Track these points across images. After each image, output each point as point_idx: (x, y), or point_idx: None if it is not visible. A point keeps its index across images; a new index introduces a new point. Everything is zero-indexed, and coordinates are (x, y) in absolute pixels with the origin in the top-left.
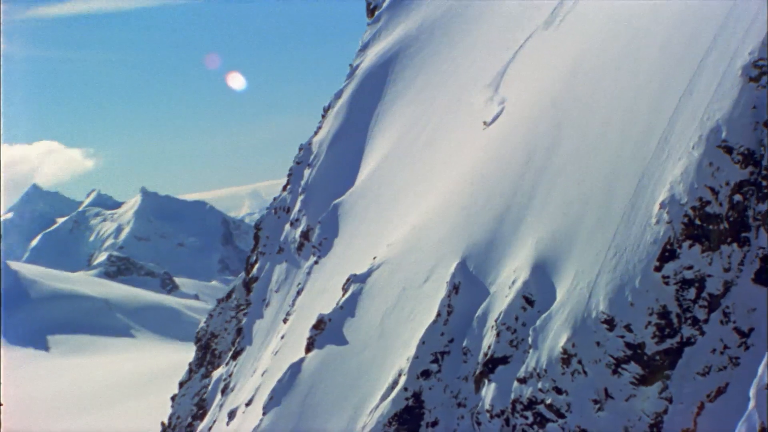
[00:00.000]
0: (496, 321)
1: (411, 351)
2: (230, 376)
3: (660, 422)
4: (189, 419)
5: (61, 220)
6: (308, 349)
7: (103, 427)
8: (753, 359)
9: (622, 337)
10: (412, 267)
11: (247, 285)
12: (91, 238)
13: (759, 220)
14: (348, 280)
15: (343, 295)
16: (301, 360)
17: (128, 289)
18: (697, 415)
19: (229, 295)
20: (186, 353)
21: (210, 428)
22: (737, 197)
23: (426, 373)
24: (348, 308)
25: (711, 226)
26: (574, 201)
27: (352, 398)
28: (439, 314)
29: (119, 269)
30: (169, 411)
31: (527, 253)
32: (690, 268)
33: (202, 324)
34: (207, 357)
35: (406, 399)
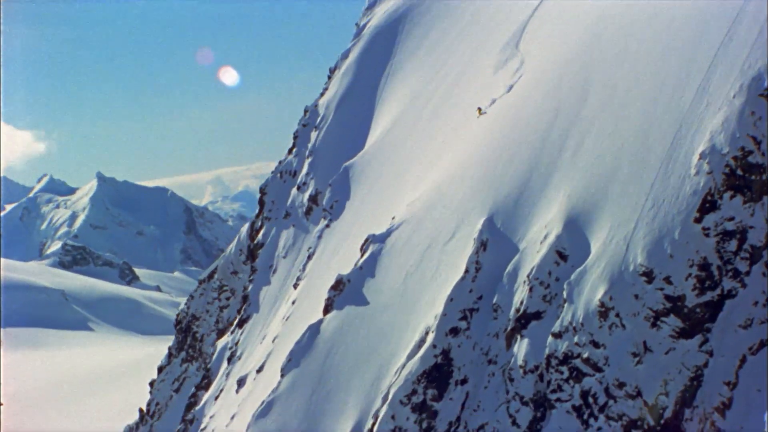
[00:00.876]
0: (528, 276)
1: (438, 309)
2: (236, 344)
3: (700, 375)
4: (193, 389)
5: (9, 207)
6: (326, 311)
7: (59, 427)
8: None
9: (662, 289)
10: (435, 225)
11: (252, 252)
12: (43, 226)
13: None
14: (366, 240)
15: (362, 255)
16: (320, 321)
17: (85, 280)
18: (739, 368)
19: (210, 276)
20: (149, 347)
21: (217, 397)
22: None
23: (454, 331)
24: (367, 269)
25: (753, 177)
26: (607, 154)
27: (376, 358)
28: (467, 271)
29: (75, 259)
30: (147, 397)
31: (559, 208)
32: (731, 219)
33: (182, 306)
34: (188, 340)
35: (435, 356)
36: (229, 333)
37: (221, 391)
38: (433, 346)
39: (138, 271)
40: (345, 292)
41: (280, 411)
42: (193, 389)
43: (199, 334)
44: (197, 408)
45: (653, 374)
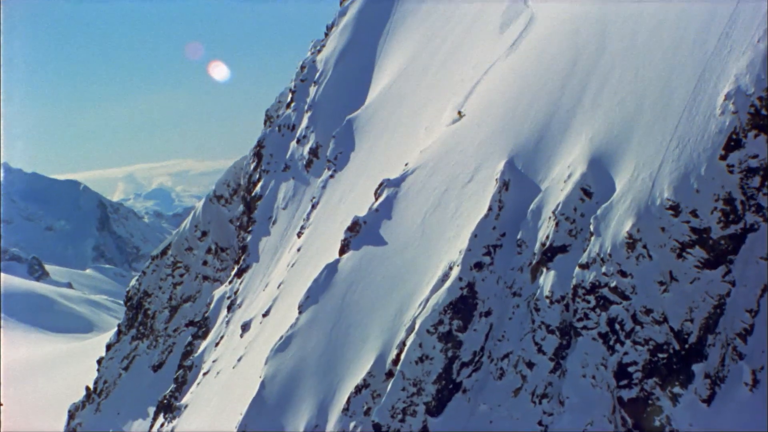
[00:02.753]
0: (553, 212)
1: (463, 245)
2: (236, 293)
3: (723, 304)
4: (189, 338)
5: None
6: (342, 251)
7: None
8: None
9: (688, 222)
10: (452, 169)
11: (249, 204)
12: None
13: None
14: (381, 185)
15: (377, 199)
16: (337, 261)
17: None
18: (760, 297)
19: (164, 252)
20: (63, 344)
21: (217, 343)
22: None
23: (479, 266)
24: (384, 211)
25: None
26: (628, 98)
27: (398, 293)
28: (490, 209)
29: None
30: (95, 375)
31: (581, 150)
32: (755, 157)
33: (133, 283)
34: (139, 317)
35: (461, 289)
36: (227, 283)
37: (221, 337)
38: (459, 278)
39: (48, 267)
40: (361, 233)
41: (300, 345)
42: (189, 338)
43: (150, 311)
44: (196, 355)
45: (679, 302)
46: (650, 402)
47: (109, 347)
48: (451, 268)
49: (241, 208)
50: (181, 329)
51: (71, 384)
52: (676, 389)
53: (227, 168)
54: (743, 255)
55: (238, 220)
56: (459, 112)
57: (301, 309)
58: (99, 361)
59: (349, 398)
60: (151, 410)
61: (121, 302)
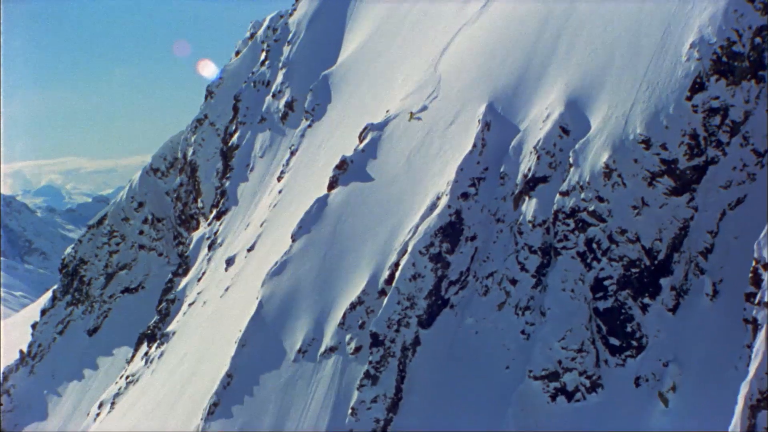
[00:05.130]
0: (534, 147)
1: (450, 177)
2: (215, 234)
3: (687, 226)
4: (168, 278)
5: None
6: (331, 187)
7: None
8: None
9: (658, 154)
10: (434, 113)
11: (225, 154)
12: None
13: None
14: (365, 129)
15: (361, 142)
16: (326, 195)
17: None
18: (719, 220)
19: (100, 221)
20: None
21: (199, 279)
22: (757, 40)
23: (465, 195)
24: (369, 152)
25: (735, 63)
26: (599, 49)
27: (388, 221)
28: (474, 145)
29: None
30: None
31: (558, 94)
32: (716, 98)
33: (69, 251)
34: (74, 284)
35: (450, 215)
36: (205, 225)
37: (203, 273)
38: (448, 206)
39: None
40: (349, 171)
41: (295, 269)
42: (170, 275)
43: (86, 277)
44: (178, 290)
45: (650, 224)
46: (623, 311)
47: (43, 312)
48: (438, 198)
49: (178, 180)
50: (117, 295)
51: None
52: (646, 300)
53: (163, 142)
54: (705, 184)
55: (175, 192)
56: (411, 113)
57: (294, 237)
58: (33, 326)
59: (344, 314)
60: (87, 372)
61: (14, 293)
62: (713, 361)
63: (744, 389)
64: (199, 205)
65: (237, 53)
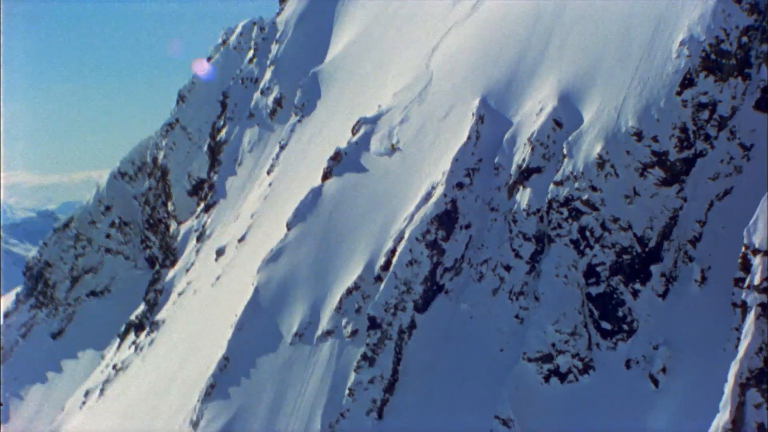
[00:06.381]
0: (528, 139)
1: (445, 167)
2: (203, 226)
3: (677, 216)
4: (158, 266)
5: None
6: (325, 178)
7: None
8: (754, 169)
9: (649, 146)
10: (427, 107)
11: (213, 149)
12: None
13: (760, 58)
14: (358, 122)
15: (354, 134)
16: (321, 185)
17: None
18: (708, 210)
19: (67, 225)
20: None
21: (188, 270)
22: (744, 39)
23: (460, 185)
24: (363, 144)
25: (723, 61)
26: (591, 47)
27: (382, 210)
28: (469, 137)
29: None
30: None
31: (550, 89)
32: (705, 94)
33: (33, 254)
34: (38, 287)
35: (446, 204)
36: (193, 218)
37: (192, 264)
38: (444, 195)
39: None
40: (343, 162)
41: (290, 256)
42: (165, 261)
43: (51, 281)
44: (166, 280)
45: (641, 213)
46: (615, 297)
47: (6, 315)
48: (434, 188)
49: (147, 184)
50: (83, 299)
51: None
52: (637, 286)
53: (133, 147)
54: (694, 176)
55: (144, 196)
56: (393, 145)
57: (290, 226)
58: None
59: (341, 299)
60: (51, 375)
61: None
62: (702, 343)
63: (734, 368)
64: (170, 208)
65: (209, 59)
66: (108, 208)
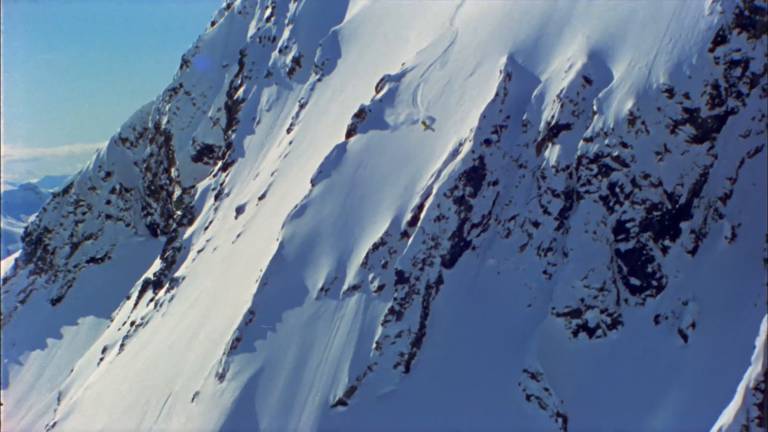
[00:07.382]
0: (557, 96)
1: (473, 123)
2: (221, 184)
3: (707, 173)
4: (175, 225)
5: None
6: (349, 135)
7: None
8: None
9: (681, 103)
10: (453, 65)
11: (231, 108)
12: None
13: None
14: (382, 80)
15: (378, 92)
16: (345, 142)
17: None
18: (738, 168)
19: (66, 190)
20: None
21: (206, 228)
22: None
23: (487, 142)
24: (387, 101)
25: (757, 17)
26: (621, 2)
27: (408, 167)
28: (497, 94)
29: None
30: None
31: (579, 46)
32: (738, 51)
33: (33, 219)
34: (38, 253)
35: (474, 160)
36: (210, 176)
37: (210, 222)
38: (472, 151)
39: None
40: (367, 119)
41: (315, 212)
42: (174, 225)
43: (51, 246)
44: (184, 238)
45: (671, 170)
46: (644, 253)
47: (5, 280)
48: (461, 144)
49: (149, 150)
50: (82, 265)
51: None
52: (666, 242)
53: (132, 111)
54: (725, 133)
55: (145, 162)
56: (424, 123)
57: (314, 182)
58: None
59: (367, 254)
60: (50, 341)
61: None
62: (732, 299)
63: (766, 321)
64: (173, 174)
65: (213, 23)
66: (108, 174)
